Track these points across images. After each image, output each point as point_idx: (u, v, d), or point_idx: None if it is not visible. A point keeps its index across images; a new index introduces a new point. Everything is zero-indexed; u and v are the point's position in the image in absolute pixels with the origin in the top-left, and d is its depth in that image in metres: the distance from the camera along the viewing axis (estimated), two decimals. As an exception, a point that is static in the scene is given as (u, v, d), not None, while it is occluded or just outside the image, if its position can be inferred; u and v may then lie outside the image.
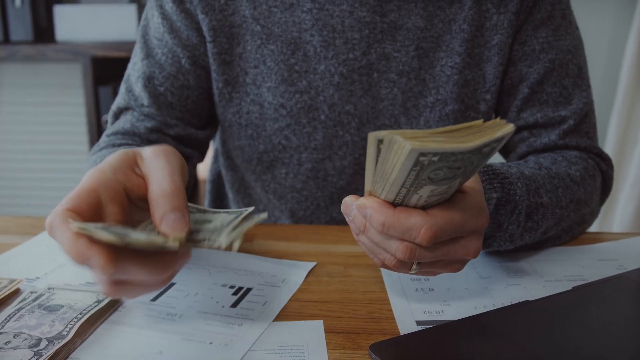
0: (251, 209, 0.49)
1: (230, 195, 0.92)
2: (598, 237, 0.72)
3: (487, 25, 0.74)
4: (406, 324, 0.52)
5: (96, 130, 1.82)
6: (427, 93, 0.75)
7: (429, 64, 0.75)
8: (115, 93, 1.78)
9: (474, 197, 0.47)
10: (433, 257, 0.46)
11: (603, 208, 1.51)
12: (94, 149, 0.74)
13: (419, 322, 0.52)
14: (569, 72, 0.75)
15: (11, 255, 0.66)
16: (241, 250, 0.67)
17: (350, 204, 0.48)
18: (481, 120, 0.40)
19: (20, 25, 1.81)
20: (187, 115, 0.78)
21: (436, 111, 0.75)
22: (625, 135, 1.86)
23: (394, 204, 0.45)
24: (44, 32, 1.88)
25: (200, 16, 0.74)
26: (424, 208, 0.45)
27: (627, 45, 1.81)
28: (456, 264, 0.50)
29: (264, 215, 0.45)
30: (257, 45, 0.74)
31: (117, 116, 0.80)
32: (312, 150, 0.77)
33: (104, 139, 0.76)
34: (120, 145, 0.72)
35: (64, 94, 1.90)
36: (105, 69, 1.86)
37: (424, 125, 0.76)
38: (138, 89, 0.76)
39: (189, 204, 0.48)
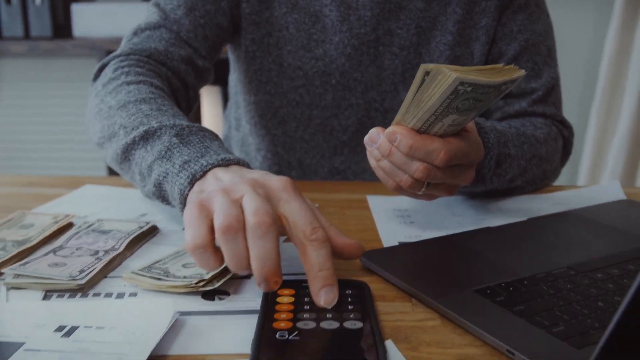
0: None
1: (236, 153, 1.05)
2: (557, 188, 0.85)
3: (476, 9, 0.87)
4: (391, 244, 0.64)
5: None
6: None
7: (426, 40, 0.88)
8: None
9: (473, 133, 0.59)
10: (442, 178, 0.58)
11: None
12: (116, 70, 0.74)
13: (401, 243, 0.64)
14: (540, 51, 0.88)
15: (60, 202, 0.78)
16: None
17: (377, 133, 0.58)
18: (501, 65, 0.52)
19: (39, 22, 1.94)
20: (212, 53, 0.86)
21: None
22: (604, 127, 1.98)
23: (418, 132, 0.56)
24: (62, 28, 2.00)
25: None
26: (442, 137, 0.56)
27: (606, 41, 1.93)
28: (453, 189, 0.62)
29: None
30: (283, 12, 0.87)
31: (142, 31, 0.81)
32: (322, 109, 0.90)
33: (126, 59, 0.76)
34: (153, 79, 0.74)
35: (81, 87, 2.02)
36: (120, 63, 1.98)
37: None
38: (178, 14, 0.80)
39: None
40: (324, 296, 0.46)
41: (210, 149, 0.57)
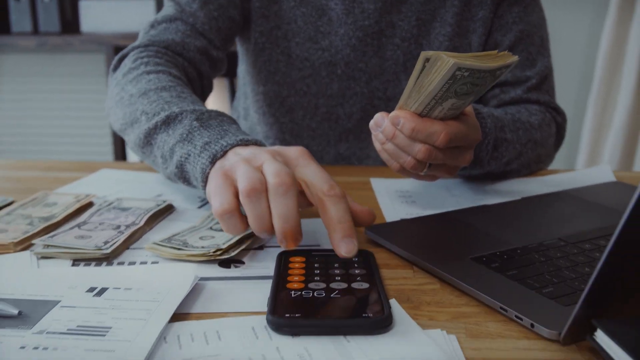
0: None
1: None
2: (551, 172, 0.89)
3: (473, 2, 0.91)
4: (393, 220, 0.68)
5: (117, 114, 1.99)
6: None
7: (426, 32, 0.92)
8: (135, 79, 1.94)
9: (471, 117, 0.63)
10: (443, 159, 0.62)
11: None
12: (135, 61, 0.78)
13: (403, 219, 0.68)
14: (534, 42, 0.92)
15: (78, 184, 0.82)
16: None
17: (382, 118, 0.62)
18: (496, 51, 0.56)
19: (48, 18, 1.98)
20: (225, 44, 0.91)
21: None
22: (601, 118, 2.02)
23: (420, 116, 0.60)
24: (70, 24, 2.04)
25: None
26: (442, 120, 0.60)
27: (603, 34, 1.97)
28: (453, 170, 0.66)
29: None
30: (291, 6, 0.91)
31: (158, 23, 0.85)
32: (328, 98, 0.94)
33: (145, 50, 0.81)
34: (171, 68, 0.78)
35: (89, 81, 2.07)
36: (127, 58, 2.03)
37: None
38: (194, 7, 0.85)
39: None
40: (345, 246, 0.49)
41: (229, 132, 0.61)
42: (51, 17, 1.97)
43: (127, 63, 0.80)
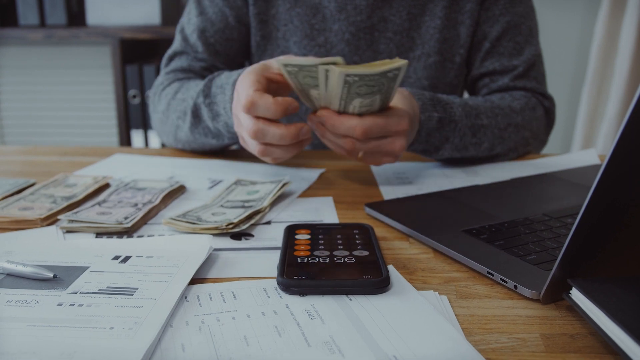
0: (287, 178, 0.75)
1: None
2: (540, 156, 0.94)
3: None
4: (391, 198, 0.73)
5: (123, 105, 2.03)
6: (415, 48, 0.97)
7: (416, 25, 0.97)
8: (141, 72, 1.99)
9: (395, 110, 0.70)
10: (368, 149, 0.70)
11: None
12: (159, 86, 0.97)
13: (400, 197, 0.73)
14: (522, 32, 0.97)
15: (95, 168, 0.87)
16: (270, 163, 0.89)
17: (312, 117, 0.72)
18: (390, 60, 0.66)
19: (54, 11, 2.02)
20: (229, 62, 1.00)
21: (422, 62, 0.97)
22: (595, 107, 2.07)
23: (338, 113, 0.69)
24: (76, 16, 2.08)
25: None
26: (360, 116, 0.69)
27: (596, 27, 2.01)
28: (389, 156, 0.73)
29: (289, 182, 0.75)
30: (286, 8, 0.96)
31: (171, 58, 1.02)
32: None
33: (164, 77, 0.98)
34: (183, 78, 0.95)
35: (95, 73, 2.11)
36: (133, 50, 2.07)
37: (412, 73, 0.98)
38: (193, 39, 0.97)
39: (243, 179, 0.78)
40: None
41: (225, 83, 0.78)
42: (58, 10, 2.01)
43: (156, 91, 0.99)
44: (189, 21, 0.99)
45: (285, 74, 0.68)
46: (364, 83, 0.64)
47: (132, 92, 2.01)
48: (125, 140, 2.06)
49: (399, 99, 0.73)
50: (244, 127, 0.69)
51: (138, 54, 2.09)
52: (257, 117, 0.67)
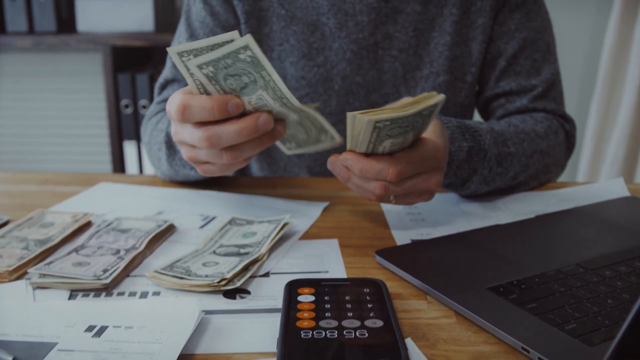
0: (287, 217, 0.68)
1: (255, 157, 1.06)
2: (561, 185, 0.86)
3: (472, 9, 0.88)
4: (403, 241, 0.65)
5: (115, 114, 1.95)
6: (423, 66, 0.89)
7: (424, 42, 0.89)
8: (134, 81, 1.91)
9: (428, 143, 0.62)
10: (402, 190, 0.62)
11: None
12: (148, 115, 0.90)
13: (413, 240, 0.66)
14: (539, 48, 0.89)
15: (76, 200, 0.79)
16: (268, 194, 0.81)
17: (334, 161, 0.63)
18: (423, 95, 0.57)
19: (44, 17, 1.94)
20: None
21: (430, 81, 0.89)
22: (604, 121, 1.99)
23: (366, 155, 0.61)
24: (66, 22, 2.00)
25: (235, 2, 0.88)
26: (391, 154, 0.60)
27: (606, 35, 1.94)
28: (425, 195, 0.64)
29: (290, 223, 0.67)
30: (281, 27, 0.88)
31: (163, 86, 0.94)
32: (327, 115, 0.91)
33: (155, 106, 0.91)
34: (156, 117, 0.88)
35: (86, 81, 2.03)
36: (124, 58, 1.99)
37: (420, 94, 0.90)
38: None
39: (238, 217, 0.70)
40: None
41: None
42: (47, 16, 1.93)
43: (152, 110, 0.92)
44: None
45: (182, 66, 0.57)
46: (396, 125, 0.56)
47: (124, 102, 1.93)
48: (117, 152, 1.98)
49: (429, 129, 0.65)
50: (191, 140, 0.59)
51: (130, 61, 2.01)
52: (199, 124, 0.58)
